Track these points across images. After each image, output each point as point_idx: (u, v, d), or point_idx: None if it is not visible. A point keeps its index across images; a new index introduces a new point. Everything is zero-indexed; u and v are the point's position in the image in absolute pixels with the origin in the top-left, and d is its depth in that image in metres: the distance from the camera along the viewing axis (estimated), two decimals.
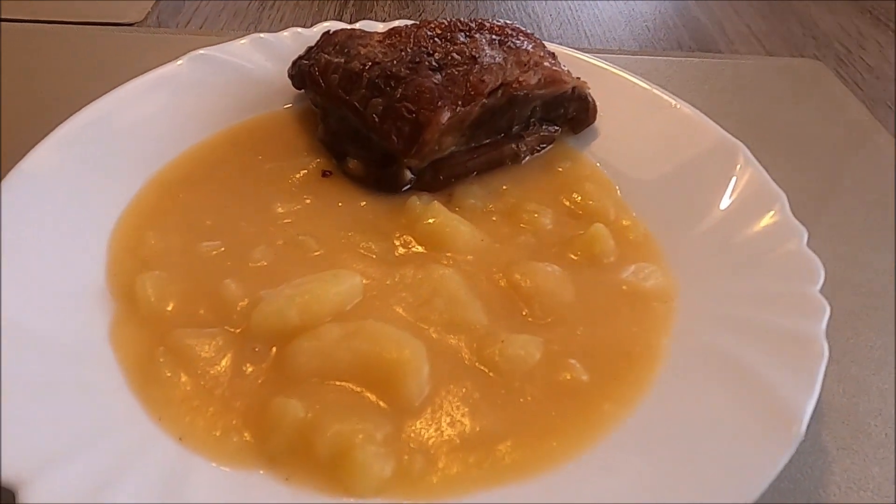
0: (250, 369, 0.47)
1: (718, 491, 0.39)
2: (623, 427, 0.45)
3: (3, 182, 0.54)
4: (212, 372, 0.47)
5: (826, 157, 0.80)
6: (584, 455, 0.44)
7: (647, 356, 0.50)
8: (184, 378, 0.46)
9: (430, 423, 0.45)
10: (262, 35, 0.75)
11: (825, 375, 0.45)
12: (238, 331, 0.49)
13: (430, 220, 0.58)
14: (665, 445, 0.43)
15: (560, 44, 0.86)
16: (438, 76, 0.61)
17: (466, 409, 0.46)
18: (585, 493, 0.41)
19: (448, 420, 0.45)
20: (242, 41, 0.74)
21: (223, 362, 0.47)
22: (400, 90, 0.60)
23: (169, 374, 0.46)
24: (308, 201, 0.61)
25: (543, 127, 0.69)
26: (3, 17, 0.96)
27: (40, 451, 0.38)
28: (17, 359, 0.43)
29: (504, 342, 0.49)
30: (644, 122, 0.70)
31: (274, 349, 0.48)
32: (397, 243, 0.58)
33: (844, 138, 0.84)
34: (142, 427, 0.43)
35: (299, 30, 0.76)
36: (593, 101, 0.69)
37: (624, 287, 0.55)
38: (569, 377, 0.48)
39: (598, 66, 0.73)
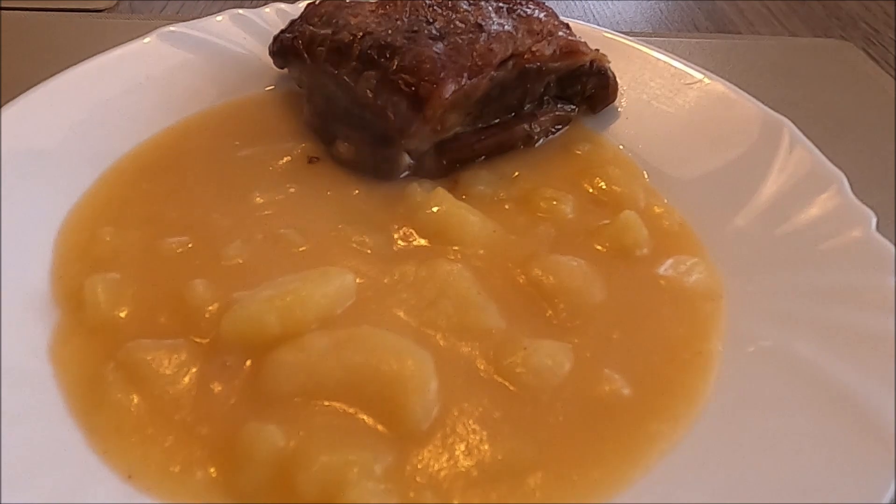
0: (219, 388, 0.39)
1: None
2: (676, 450, 0.37)
3: None
4: (172, 392, 0.39)
5: (872, 137, 0.72)
6: (632, 487, 0.35)
7: (697, 364, 0.42)
8: (136, 400, 0.38)
9: (440, 451, 0.37)
10: (240, 11, 0.68)
11: None
12: (206, 341, 0.41)
13: (434, 209, 0.50)
14: (731, 471, 0.35)
15: None
16: (440, 45, 0.53)
17: (485, 433, 0.38)
18: None
19: (463, 447, 0.37)
20: (219, 17, 0.67)
21: (186, 380, 0.39)
22: (396, 61, 0.52)
23: (119, 396, 0.38)
24: (292, 190, 0.53)
25: (559, 105, 0.61)
26: None
27: None
28: None
29: (527, 350, 0.41)
30: (670, 99, 0.62)
31: (249, 362, 0.40)
32: (396, 236, 0.50)
33: (886, 118, 0.76)
34: (83, 462, 0.35)
35: (282, 5, 0.69)
36: (614, 76, 0.61)
37: (662, 283, 0.48)
38: (607, 391, 0.40)
39: (617, 39, 0.66)
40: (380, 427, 0.37)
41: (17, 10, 0.88)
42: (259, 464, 0.35)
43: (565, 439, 0.38)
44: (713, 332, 0.44)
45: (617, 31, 0.88)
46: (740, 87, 0.69)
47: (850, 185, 0.50)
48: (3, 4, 0.89)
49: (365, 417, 0.37)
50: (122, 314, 0.43)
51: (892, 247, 0.45)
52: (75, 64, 0.58)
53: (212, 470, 0.35)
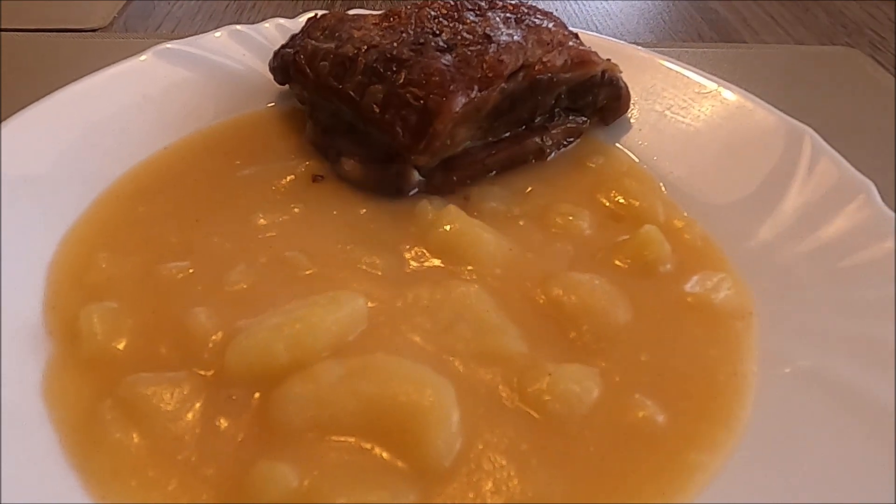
0: (226, 424, 0.37)
1: None
2: (717, 482, 0.35)
3: None
4: (174, 430, 0.36)
5: (886, 143, 0.70)
6: None
7: (733, 386, 0.40)
8: (136, 439, 0.36)
9: (465, 489, 0.34)
10: (238, 27, 0.66)
11: None
12: (210, 373, 0.39)
13: (446, 227, 0.48)
14: (775, 499, 0.32)
15: None
16: (448, 57, 0.51)
17: (513, 468, 0.35)
18: None
19: (490, 485, 0.34)
20: (217, 34, 0.65)
21: (189, 416, 0.37)
22: (403, 74, 0.50)
23: (118, 436, 0.36)
24: (296, 211, 0.51)
25: (570, 117, 0.59)
26: None
27: None
28: None
29: (552, 375, 0.39)
30: (685, 109, 0.61)
31: (256, 395, 0.38)
32: (407, 256, 0.48)
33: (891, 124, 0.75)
34: None
35: (282, 20, 0.67)
36: (626, 86, 0.60)
37: (689, 300, 0.46)
38: (639, 418, 0.38)
39: (628, 48, 0.64)
40: (399, 463, 0.35)
41: (10, 31, 0.86)
42: None
43: (598, 472, 0.35)
44: (747, 352, 0.42)
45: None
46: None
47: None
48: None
49: (383, 453, 0.35)
50: (120, 346, 0.40)
51: None
52: (68, 84, 0.57)
53: None
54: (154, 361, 0.39)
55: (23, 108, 0.54)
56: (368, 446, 0.35)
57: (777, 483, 0.35)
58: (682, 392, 0.39)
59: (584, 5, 1.03)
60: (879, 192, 0.49)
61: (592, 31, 0.94)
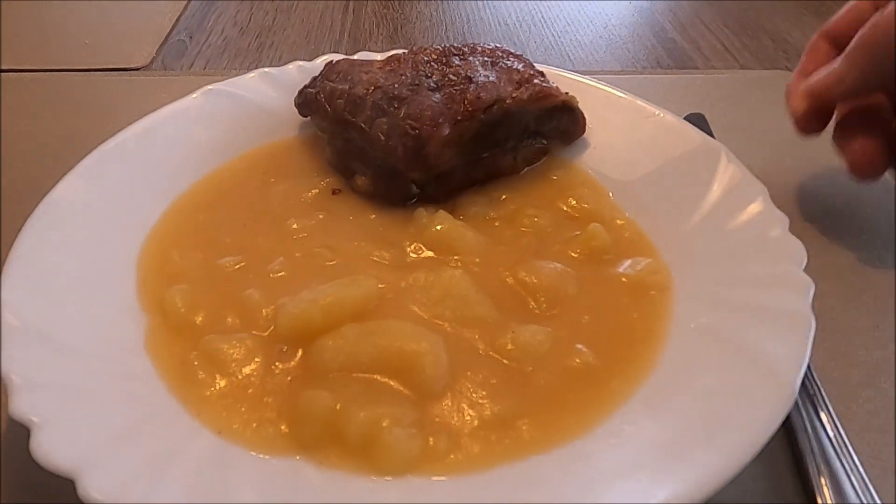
0: (280, 367, 0.50)
1: (724, 445, 0.42)
2: (632, 400, 0.48)
3: (35, 211, 0.57)
4: (244, 372, 0.49)
5: (801, 156, 0.84)
6: (598, 427, 0.47)
7: (649, 339, 0.53)
8: (218, 379, 0.49)
9: (451, 407, 0.48)
10: (268, 70, 0.80)
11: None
12: (265, 334, 0.52)
13: (438, 227, 0.61)
14: (671, 413, 0.46)
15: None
16: (437, 95, 0.66)
17: (485, 393, 0.49)
18: (601, 460, 0.44)
19: (468, 403, 0.48)
20: (251, 75, 0.79)
21: (253, 363, 0.50)
22: (403, 110, 0.64)
23: (203, 376, 0.49)
24: (321, 217, 0.64)
25: (537, 139, 0.73)
26: (15, 67, 1.01)
27: (92, 445, 0.41)
28: (67, 371, 0.46)
29: (514, 332, 0.52)
30: (630, 130, 0.74)
31: (300, 349, 0.51)
32: (408, 250, 0.61)
33: (820, 140, 0.88)
34: (182, 423, 0.46)
35: (302, 63, 0.81)
36: (582, 113, 0.74)
37: (623, 279, 0.59)
38: (578, 361, 0.51)
39: (584, 82, 0.78)
40: (405, 390, 0.48)
41: (68, 72, 1.00)
42: (315, 420, 0.45)
43: (546, 396, 0.49)
44: (662, 313, 0.55)
45: (589, 72, 1.02)
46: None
47: (786, 193, 0.62)
48: (50, 66, 1.02)
49: (393, 384, 0.48)
50: (198, 318, 0.53)
51: (801, 244, 0.57)
52: (128, 118, 0.70)
53: (280, 426, 0.46)
54: (224, 327, 0.52)
55: (90, 137, 0.67)
56: (382, 380, 0.48)
57: (673, 402, 0.48)
58: (611, 343, 0.53)
59: (559, 37, 1.17)
60: (777, 193, 0.63)
61: (566, 59, 1.09)
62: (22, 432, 0.41)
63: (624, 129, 0.75)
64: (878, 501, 0.48)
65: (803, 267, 0.55)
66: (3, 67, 1.00)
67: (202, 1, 1.26)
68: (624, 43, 1.15)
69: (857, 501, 0.48)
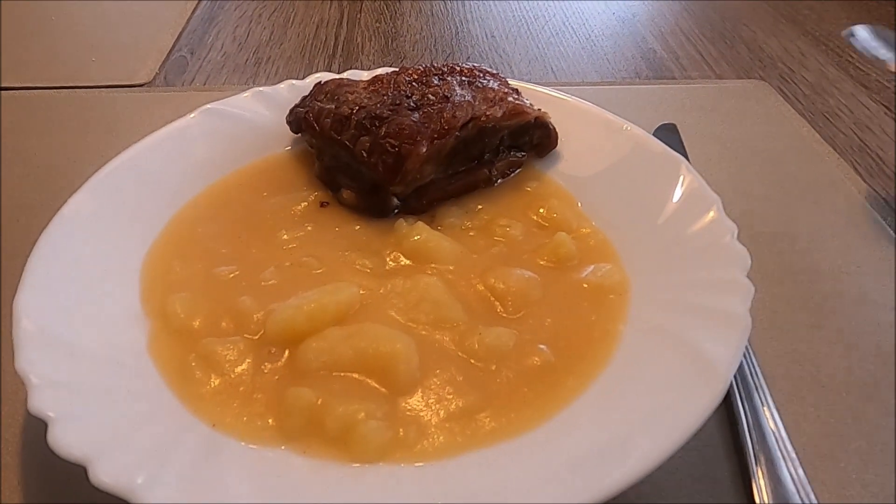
0: (268, 367, 0.55)
1: (660, 433, 0.47)
2: (585, 395, 0.54)
3: (48, 225, 0.63)
4: (236, 371, 0.55)
5: (765, 164, 0.89)
6: (553, 419, 0.52)
7: (604, 339, 0.58)
8: (213, 378, 0.54)
9: (421, 401, 0.53)
10: (261, 88, 0.86)
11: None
12: (256, 337, 0.58)
13: (416, 238, 0.67)
14: (619, 406, 0.52)
15: (529, 79, 0.97)
16: (416, 115, 0.71)
17: (451, 389, 0.54)
18: (554, 448, 0.49)
19: (436, 398, 0.53)
20: (245, 94, 0.84)
21: (245, 363, 0.56)
22: (384, 128, 0.70)
23: (200, 375, 0.55)
24: (309, 228, 0.70)
25: (512, 153, 0.78)
26: (21, 85, 1.07)
27: (101, 436, 0.47)
28: (79, 371, 0.52)
29: (482, 334, 0.58)
30: (601, 143, 0.79)
31: (287, 350, 0.56)
32: (388, 259, 0.66)
33: (783, 148, 0.94)
34: (181, 418, 0.51)
35: (294, 81, 0.87)
36: (554, 128, 0.79)
37: (585, 285, 0.64)
38: (538, 359, 0.57)
39: (557, 96, 0.84)
40: (379, 388, 0.54)
41: (75, 89, 1.06)
42: (299, 414, 0.51)
43: (507, 391, 0.54)
44: (618, 316, 0.60)
45: (570, 83, 1.07)
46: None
47: (735, 204, 0.67)
48: (56, 84, 1.08)
49: (369, 381, 0.54)
50: (196, 322, 0.59)
51: (747, 251, 0.62)
52: (134, 132, 0.75)
53: (268, 419, 0.52)
54: (219, 331, 0.57)
55: (99, 151, 0.73)
56: (360, 378, 0.54)
57: (623, 394, 0.53)
58: (570, 343, 0.58)
59: (544, 49, 1.22)
60: (736, 202, 0.68)
61: (549, 71, 1.14)
62: (39, 425, 0.47)
63: (594, 141, 0.80)
64: (810, 487, 0.53)
65: (746, 273, 0.60)
66: (23, 85, 1.06)
67: (203, 16, 1.32)
68: (605, 54, 1.20)
69: (792, 486, 0.53)
